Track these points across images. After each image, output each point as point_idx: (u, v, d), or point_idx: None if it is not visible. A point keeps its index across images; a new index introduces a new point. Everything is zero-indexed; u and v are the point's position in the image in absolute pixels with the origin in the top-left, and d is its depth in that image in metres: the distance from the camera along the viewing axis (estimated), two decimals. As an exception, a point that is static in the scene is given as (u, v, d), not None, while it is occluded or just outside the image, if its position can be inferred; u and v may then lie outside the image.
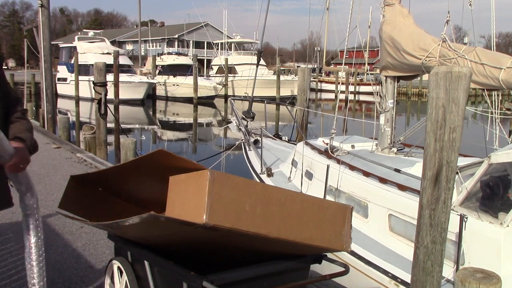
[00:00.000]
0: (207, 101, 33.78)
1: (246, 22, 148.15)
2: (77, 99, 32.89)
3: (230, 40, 44.73)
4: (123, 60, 33.21)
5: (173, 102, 35.14)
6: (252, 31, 62.99)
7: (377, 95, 6.25)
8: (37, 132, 12.02)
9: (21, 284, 3.78)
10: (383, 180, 4.83)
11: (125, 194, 3.16)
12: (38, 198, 2.19)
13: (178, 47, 55.06)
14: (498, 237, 3.64)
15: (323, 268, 2.91)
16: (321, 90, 44.92)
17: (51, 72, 14.67)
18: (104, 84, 11.04)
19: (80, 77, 32.72)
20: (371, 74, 29.48)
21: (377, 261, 4.38)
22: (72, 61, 34.22)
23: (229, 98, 11.90)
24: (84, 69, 32.53)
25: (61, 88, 35.44)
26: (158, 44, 58.82)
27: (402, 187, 4.58)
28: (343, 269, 2.77)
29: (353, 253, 4.45)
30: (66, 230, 5.40)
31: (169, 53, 41.33)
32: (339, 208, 2.67)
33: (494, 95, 5.40)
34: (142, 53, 49.68)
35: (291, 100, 13.79)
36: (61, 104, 31.30)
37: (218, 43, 44.76)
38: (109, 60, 23.91)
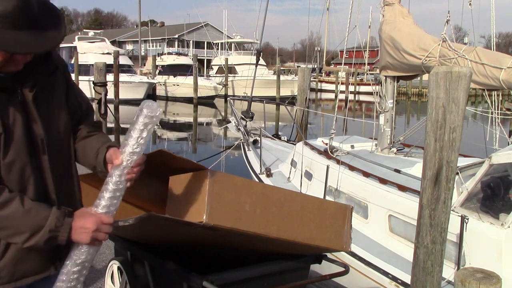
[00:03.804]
0: (207, 101, 33.75)
1: (247, 22, 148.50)
2: (77, 99, 32.81)
3: (230, 40, 44.69)
4: (123, 60, 33.16)
5: (173, 102, 35.09)
6: (252, 31, 62.89)
7: (376, 95, 6.25)
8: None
9: None
10: (383, 181, 4.82)
11: (125, 194, 3.15)
12: None
13: (178, 47, 54.95)
14: (499, 238, 3.63)
15: (323, 268, 2.91)
16: (321, 90, 44.84)
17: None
18: (104, 84, 11.01)
19: (80, 77, 32.55)
20: (371, 74, 29.48)
21: (377, 262, 4.37)
22: (72, 61, 34.09)
23: (228, 98, 11.86)
24: (84, 69, 32.44)
25: (61, 88, 35.36)
26: (158, 44, 58.74)
27: (402, 188, 4.57)
28: (343, 269, 2.77)
29: (353, 254, 4.44)
30: (66, 230, 5.36)
31: (169, 53, 41.27)
32: (339, 208, 2.66)
33: (494, 95, 5.40)
34: (142, 53, 49.59)
35: (290, 100, 13.76)
36: (61, 104, 31.18)
37: (218, 43, 44.72)
38: (109, 60, 23.85)
